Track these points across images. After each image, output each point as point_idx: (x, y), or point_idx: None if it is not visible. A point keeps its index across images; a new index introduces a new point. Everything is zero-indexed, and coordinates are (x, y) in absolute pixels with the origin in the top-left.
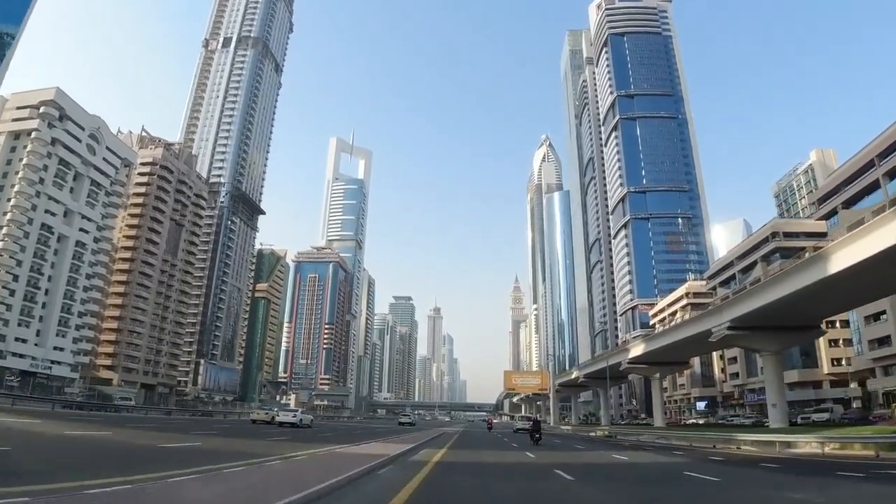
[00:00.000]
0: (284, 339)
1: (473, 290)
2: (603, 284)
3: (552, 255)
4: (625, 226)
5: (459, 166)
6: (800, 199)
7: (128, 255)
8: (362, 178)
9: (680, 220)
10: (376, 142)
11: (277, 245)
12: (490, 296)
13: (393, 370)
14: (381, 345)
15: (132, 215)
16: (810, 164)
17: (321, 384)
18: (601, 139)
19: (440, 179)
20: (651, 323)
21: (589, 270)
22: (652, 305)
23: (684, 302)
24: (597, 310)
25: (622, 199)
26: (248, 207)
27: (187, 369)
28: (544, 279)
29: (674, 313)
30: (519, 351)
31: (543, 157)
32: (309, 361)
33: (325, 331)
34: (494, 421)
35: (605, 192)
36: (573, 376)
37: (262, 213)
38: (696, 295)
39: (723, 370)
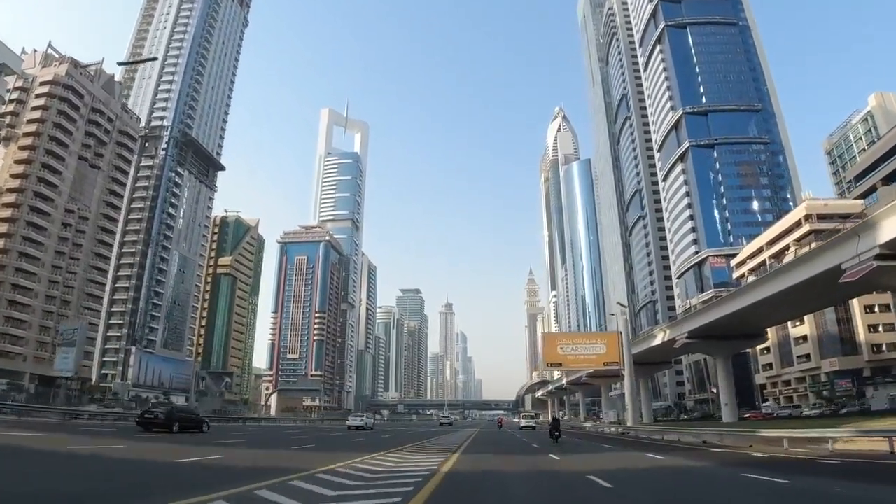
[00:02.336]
0: (270, 331)
1: (486, 288)
2: (647, 245)
3: (573, 231)
4: (681, 158)
5: (463, 159)
6: (858, 153)
7: (13, 198)
8: (358, 152)
9: (755, 145)
10: (372, 129)
11: (264, 221)
12: (504, 295)
13: (401, 367)
14: (387, 340)
15: (22, 148)
16: (869, 111)
17: (312, 380)
18: (636, 68)
19: (444, 174)
20: (735, 277)
21: (625, 234)
22: (728, 257)
23: (804, 229)
24: (639, 280)
25: (675, 126)
26: (201, 160)
27: (115, 359)
28: (564, 261)
29: (779, 253)
30: (536, 345)
31: (558, 129)
32: (299, 356)
33: (316, 319)
34: (520, 422)
35: (647, 130)
36: (659, 340)
37: (222, 168)
38: (823, 217)
39: (876, 328)
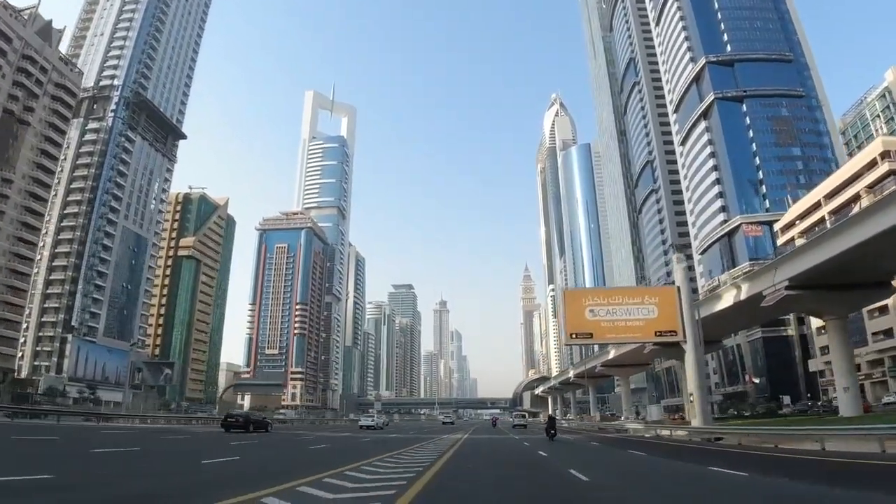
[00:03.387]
0: (247, 324)
1: (481, 286)
2: (661, 222)
3: (572, 220)
4: (704, 115)
5: (456, 152)
6: (876, 131)
7: None
8: (344, 136)
9: (790, 98)
10: (360, 115)
11: (247, 211)
12: (499, 296)
13: (392, 365)
14: (377, 336)
15: None
16: (886, 87)
17: (293, 379)
18: (646, 27)
19: (437, 168)
20: (780, 244)
21: (633, 214)
22: (765, 224)
23: (881, 170)
24: (650, 262)
25: (696, 79)
26: (157, 125)
27: (49, 349)
28: (562, 253)
29: (843, 207)
30: (532, 343)
31: (556, 114)
32: (278, 352)
33: (297, 312)
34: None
35: (660, 95)
36: (729, 300)
37: (183, 136)
38: None
39: None
